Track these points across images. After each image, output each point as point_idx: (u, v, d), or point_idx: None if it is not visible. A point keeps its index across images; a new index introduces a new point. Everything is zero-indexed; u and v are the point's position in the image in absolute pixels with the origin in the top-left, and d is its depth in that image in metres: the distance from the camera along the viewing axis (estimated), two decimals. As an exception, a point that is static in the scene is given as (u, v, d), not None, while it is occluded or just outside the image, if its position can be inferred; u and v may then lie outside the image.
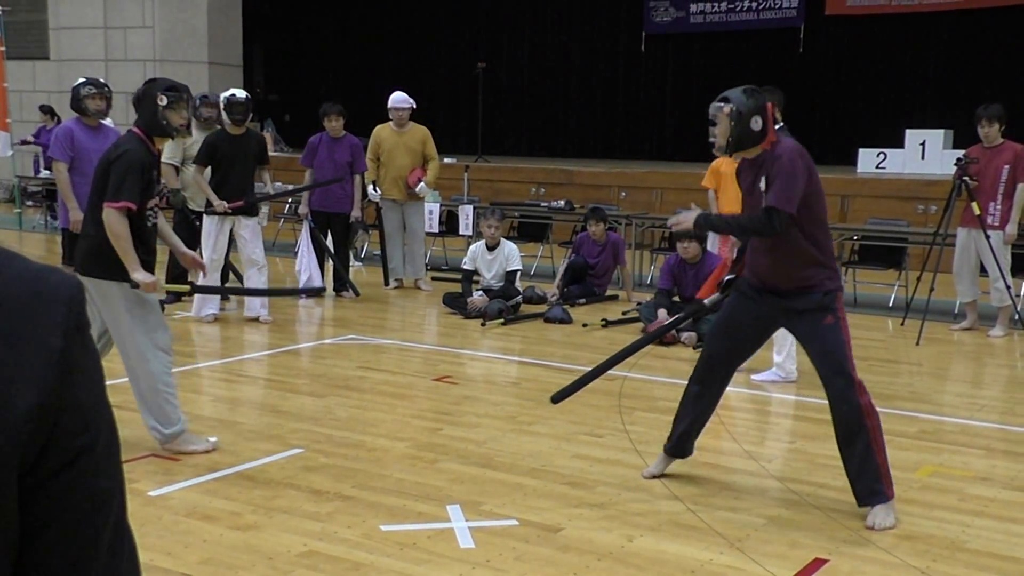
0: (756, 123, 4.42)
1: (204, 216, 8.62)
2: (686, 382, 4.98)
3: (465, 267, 9.65)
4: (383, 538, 4.14)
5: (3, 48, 13.77)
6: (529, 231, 12.52)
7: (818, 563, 3.99)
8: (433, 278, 10.94)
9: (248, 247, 8.58)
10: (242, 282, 9.03)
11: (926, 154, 14.63)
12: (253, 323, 8.63)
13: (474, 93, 18.21)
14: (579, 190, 14.64)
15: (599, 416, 6.01)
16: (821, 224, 4.52)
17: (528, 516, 4.41)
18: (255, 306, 8.67)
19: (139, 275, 4.94)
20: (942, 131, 14.79)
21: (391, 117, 10.43)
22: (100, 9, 18.69)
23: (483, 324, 8.80)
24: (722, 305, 4.92)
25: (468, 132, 19.97)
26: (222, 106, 8.72)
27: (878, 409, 4.50)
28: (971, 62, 16.69)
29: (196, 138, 8.81)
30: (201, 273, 6.09)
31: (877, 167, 14.88)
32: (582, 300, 9.80)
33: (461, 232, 11.83)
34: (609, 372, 5.27)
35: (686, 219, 4.67)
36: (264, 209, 9.04)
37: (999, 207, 8.53)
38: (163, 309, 5.84)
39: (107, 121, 8.43)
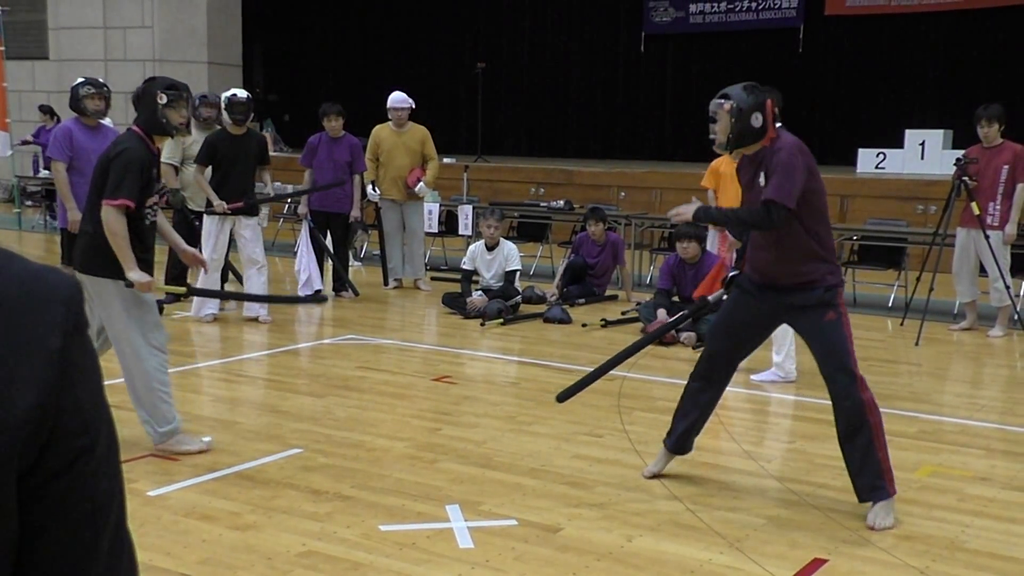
0: (756, 120, 4.42)
1: (204, 216, 8.62)
2: (685, 382, 4.98)
3: (464, 267, 9.65)
4: (382, 538, 4.14)
5: (2, 48, 13.77)
6: (528, 231, 12.52)
7: (817, 563, 3.99)
8: (432, 278, 10.94)
9: (248, 247, 8.58)
10: (242, 282, 9.03)
11: (926, 154, 14.63)
12: (252, 323, 8.63)
13: (474, 93, 18.20)
14: (578, 190, 14.64)
15: (598, 416, 6.01)
16: (822, 219, 4.53)
17: (527, 516, 4.41)
18: (254, 306, 8.67)
19: (134, 274, 4.93)
20: (941, 131, 14.79)
21: (390, 117, 10.43)
22: (99, 9, 18.68)
23: (482, 324, 8.80)
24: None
25: (468, 132, 19.97)
26: (223, 106, 8.72)
27: (877, 409, 4.51)
28: (970, 62, 16.69)
29: (195, 138, 8.81)
30: (203, 270, 6.09)
31: (877, 167, 14.88)
32: (581, 300, 9.80)
33: (460, 232, 11.83)
34: (608, 372, 5.27)
35: (685, 212, 4.68)
36: (264, 210, 9.04)
37: (998, 207, 8.53)
38: (162, 310, 5.85)
39: (106, 121, 8.43)
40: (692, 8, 19.04)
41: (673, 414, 4.96)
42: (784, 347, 6.89)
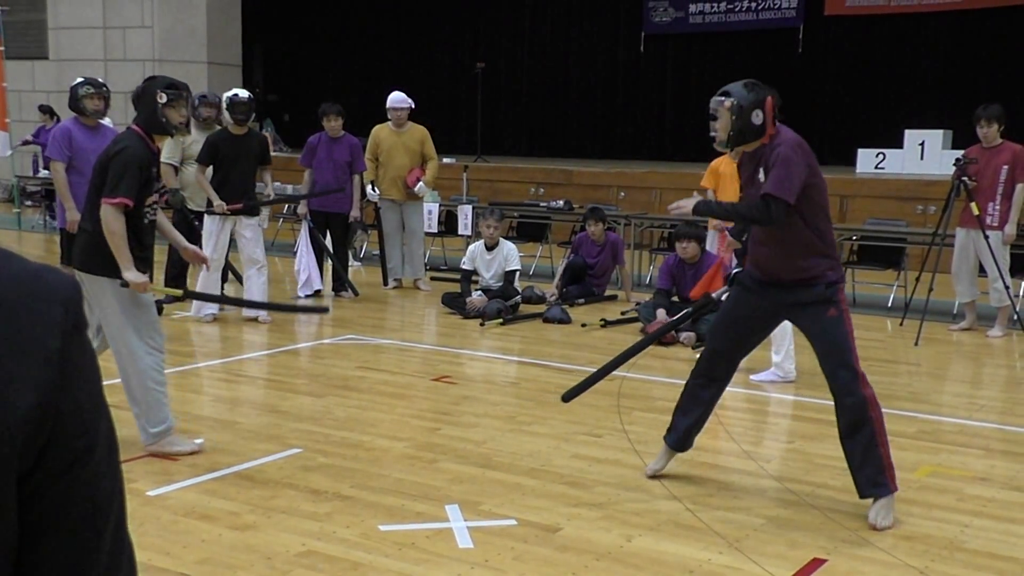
0: (757, 117, 4.43)
1: (205, 216, 8.62)
2: (683, 381, 4.98)
3: (464, 267, 9.65)
4: (382, 538, 4.14)
5: (2, 48, 13.77)
6: (528, 231, 12.52)
7: (816, 563, 4.00)
8: (432, 278, 10.94)
9: (249, 247, 8.58)
10: (242, 282, 9.03)
11: (925, 154, 14.63)
12: (252, 323, 8.63)
13: (473, 93, 18.20)
14: (578, 190, 14.64)
15: (598, 416, 6.01)
16: (823, 214, 4.53)
17: (527, 516, 4.41)
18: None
19: (130, 274, 4.92)
20: (941, 131, 14.79)
21: (389, 117, 10.43)
22: (99, 9, 18.68)
23: (482, 324, 8.80)
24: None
25: (467, 132, 19.96)
26: (225, 106, 8.72)
27: (877, 409, 4.51)
28: (970, 62, 16.70)
29: (195, 138, 8.82)
30: (204, 268, 6.08)
31: (876, 167, 14.88)
32: (581, 300, 9.80)
33: (460, 232, 11.83)
34: (613, 371, 5.28)
35: (686, 205, 4.69)
36: (264, 211, 9.04)
37: (998, 207, 8.53)
38: (161, 310, 5.85)
39: (106, 121, 8.43)
40: (692, 8, 19.04)
41: (673, 411, 4.96)
42: (783, 347, 6.89)
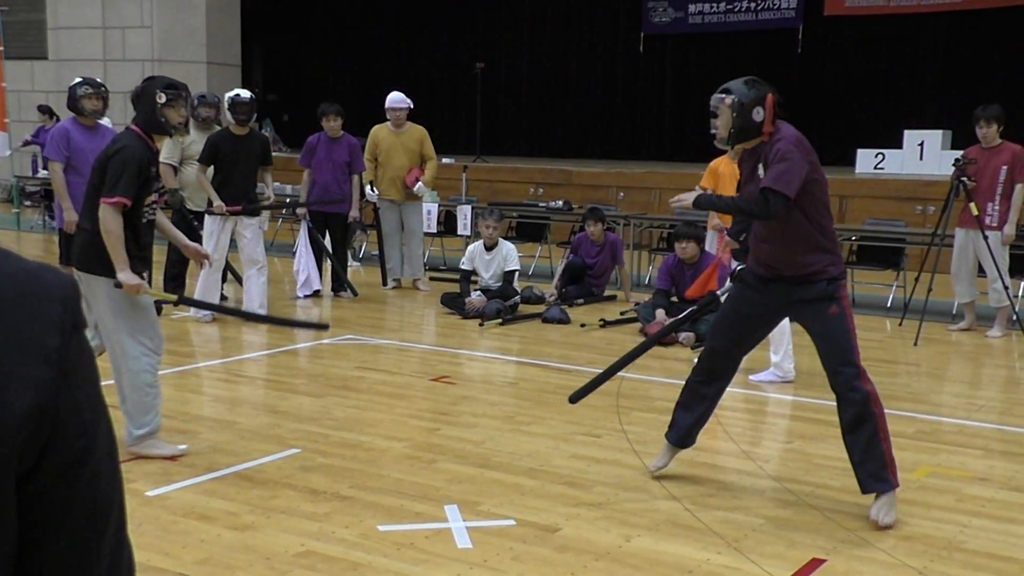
0: (758, 114, 4.43)
1: (206, 216, 8.61)
2: (683, 381, 4.98)
3: (463, 267, 9.65)
4: (381, 538, 4.14)
5: (2, 48, 13.77)
6: (527, 231, 12.52)
7: (816, 563, 4.00)
8: (431, 278, 10.94)
9: (249, 247, 8.59)
10: (241, 283, 9.03)
11: (924, 155, 14.64)
12: (251, 323, 8.62)
13: (473, 93, 18.21)
14: (577, 190, 14.64)
15: (597, 416, 6.00)
16: (825, 210, 4.54)
17: (526, 516, 4.41)
18: (253, 306, 8.66)
19: (124, 275, 4.91)
20: (940, 132, 14.80)
21: (388, 117, 10.43)
22: (99, 9, 18.68)
23: (481, 324, 8.80)
24: None
25: (467, 132, 19.97)
26: (226, 106, 8.71)
27: (876, 409, 4.51)
28: (969, 63, 16.70)
29: (194, 138, 8.81)
30: (205, 265, 6.07)
31: (875, 167, 14.89)
32: (580, 300, 9.80)
33: (459, 232, 11.83)
34: (619, 371, 5.28)
35: (687, 199, 4.69)
36: (265, 212, 9.03)
37: (997, 208, 8.53)
38: (160, 310, 5.83)
39: (105, 121, 8.42)
40: (691, 8, 19.05)
41: (674, 408, 4.96)
42: (782, 347, 6.89)
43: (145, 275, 5.20)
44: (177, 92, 5.16)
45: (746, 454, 5.41)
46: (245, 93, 8.79)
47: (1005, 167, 8.47)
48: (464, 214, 11.70)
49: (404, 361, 7.54)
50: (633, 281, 10.76)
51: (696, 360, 4.99)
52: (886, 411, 4.52)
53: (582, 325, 8.80)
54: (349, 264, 10.85)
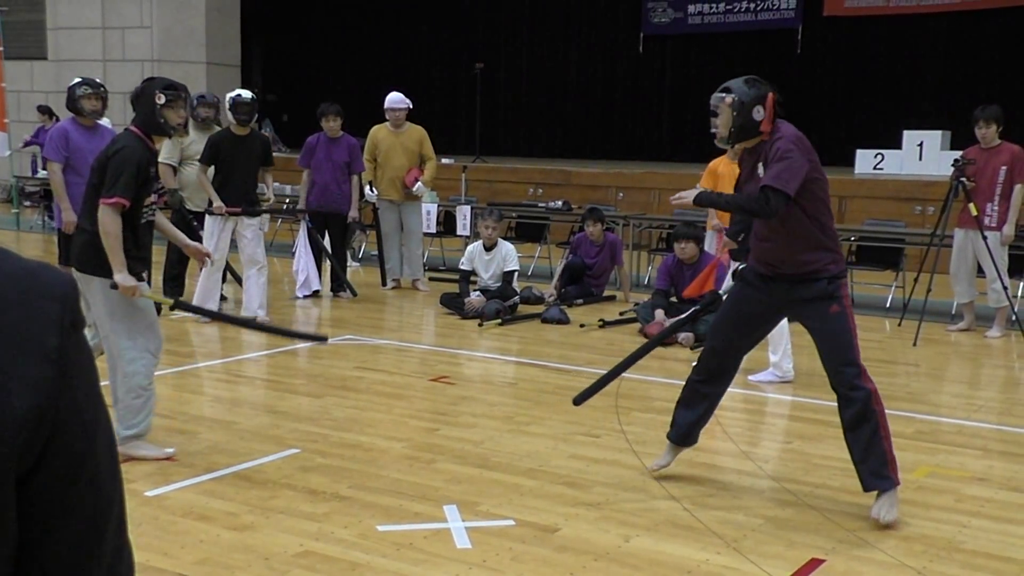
0: (758, 113, 4.44)
1: (206, 216, 8.61)
2: (682, 382, 4.98)
3: (462, 267, 9.65)
4: (380, 538, 4.14)
5: (1, 48, 13.77)
6: (527, 231, 12.52)
7: (815, 563, 4.00)
8: (430, 278, 10.94)
9: (249, 247, 8.59)
10: (241, 284, 9.03)
11: (924, 155, 14.64)
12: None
13: (472, 93, 18.20)
14: (577, 191, 14.65)
15: (596, 416, 6.00)
16: (825, 208, 4.55)
17: (525, 516, 4.41)
18: (252, 306, 8.65)
19: (120, 277, 4.89)
20: (940, 132, 14.80)
21: (387, 118, 10.43)
22: (98, 9, 18.67)
23: (480, 324, 8.80)
24: None
25: (466, 132, 19.97)
26: (227, 106, 8.71)
27: (876, 409, 4.51)
28: (969, 63, 16.71)
29: (193, 138, 8.80)
30: (208, 263, 6.06)
31: (875, 168, 14.89)
32: (579, 300, 9.80)
33: (459, 232, 11.83)
34: (605, 372, 5.28)
35: (687, 196, 4.69)
36: (265, 216, 9.02)
37: (996, 208, 8.54)
38: (159, 310, 5.82)
39: (104, 121, 8.42)
40: (691, 9, 19.05)
41: (675, 407, 4.96)
42: (780, 346, 6.90)
43: (145, 275, 5.20)
44: (176, 93, 5.16)
45: (745, 454, 5.41)
46: (246, 93, 8.79)
47: (1004, 167, 8.48)
48: (463, 214, 11.70)
49: (403, 361, 7.54)
50: (632, 281, 10.76)
51: (696, 360, 4.99)
52: (886, 411, 4.52)
53: (581, 325, 8.80)
54: (348, 264, 10.85)
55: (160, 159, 8.03)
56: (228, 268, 9.17)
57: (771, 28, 18.33)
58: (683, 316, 6.58)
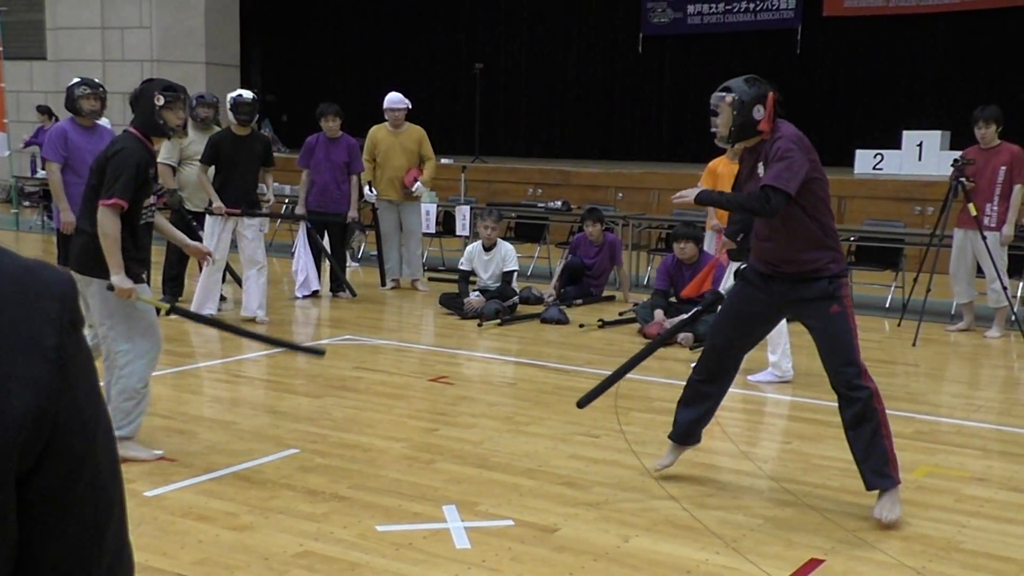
0: (758, 112, 4.44)
1: (207, 216, 8.60)
2: (681, 382, 4.98)
3: (462, 268, 9.65)
4: (379, 538, 4.14)
5: (1, 48, 13.77)
6: (526, 232, 12.52)
7: (814, 563, 4.00)
8: (430, 279, 10.94)
9: (250, 247, 8.59)
10: (240, 284, 9.03)
11: (923, 155, 14.64)
12: (250, 323, 8.61)
13: (471, 94, 18.20)
14: (576, 191, 14.65)
15: (595, 417, 6.00)
16: (825, 208, 4.55)
17: (524, 516, 4.41)
18: (252, 306, 8.66)
19: (117, 279, 4.89)
20: (939, 132, 14.80)
21: (387, 118, 10.42)
22: (97, 9, 18.67)
23: (480, 325, 8.80)
24: None
25: (465, 133, 19.96)
26: (228, 106, 8.70)
27: (876, 408, 4.51)
28: (968, 63, 16.71)
29: (192, 138, 8.80)
30: (209, 262, 6.05)
31: (874, 168, 14.89)
32: (579, 301, 9.80)
33: (458, 233, 11.82)
34: (606, 373, 5.28)
35: (688, 195, 4.69)
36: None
37: (996, 208, 8.54)
38: (159, 311, 5.79)
39: (103, 121, 8.42)
40: (690, 9, 19.04)
41: (676, 407, 4.96)
42: (779, 346, 6.90)
43: (145, 276, 5.19)
44: (175, 94, 5.16)
45: (744, 454, 5.41)
46: (247, 94, 8.78)
47: (1004, 168, 8.48)
48: (463, 214, 11.70)
49: (402, 361, 7.54)
50: (632, 281, 10.76)
51: (697, 359, 4.99)
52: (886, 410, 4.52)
53: (580, 326, 8.80)
54: (348, 264, 10.84)
55: (159, 159, 8.02)
56: (228, 268, 9.16)
57: (771, 28, 18.32)
58: (686, 317, 6.58)
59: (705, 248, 8.79)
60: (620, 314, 9.21)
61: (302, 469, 4.99)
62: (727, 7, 18.64)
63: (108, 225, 4.88)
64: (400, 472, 4.97)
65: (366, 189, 10.37)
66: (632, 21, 19.82)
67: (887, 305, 9.88)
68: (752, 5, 18.39)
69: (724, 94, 4.50)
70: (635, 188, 14.78)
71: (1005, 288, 8.49)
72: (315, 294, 9.96)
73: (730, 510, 4.56)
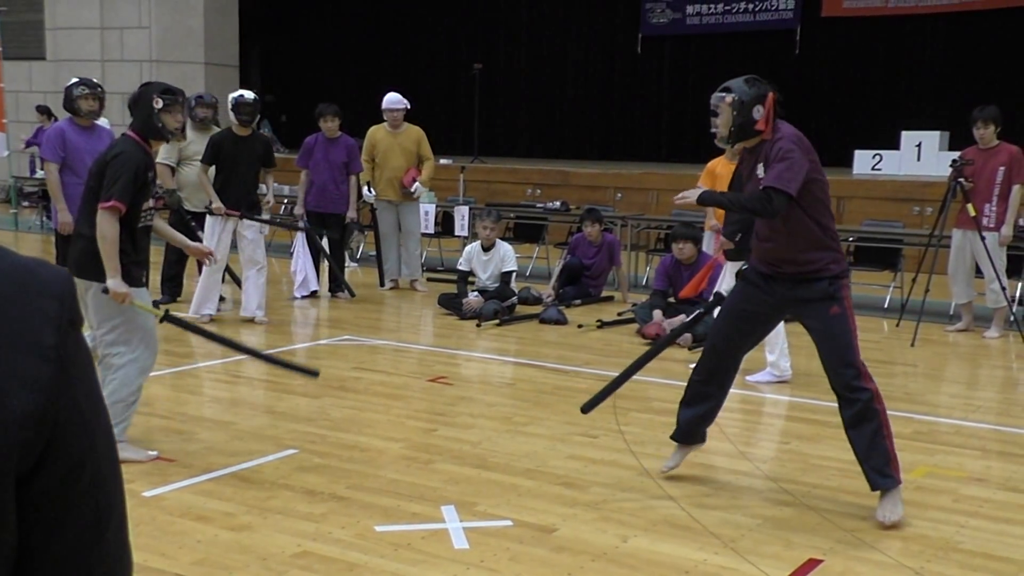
0: (758, 112, 4.45)
1: (207, 216, 8.59)
2: (679, 382, 4.99)
3: (461, 268, 9.65)
4: (377, 539, 4.14)
5: (0, 48, 13.76)
6: (525, 232, 12.52)
7: (812, 563, 4.00)
8: (429, 279, 10.94)
9: (249, 248, 8.59)
10: (239, 285, 9.02)
11: (922, 155, 14.65)
12: (249, 324, 8.62)
13: (471, 94, 18.20)
14: (575, 191, 14.64)
15: (594, 417, 5.98)
16: (825, 209, 4.56)
17: (522, 516, 4.41)
18: (251, 306, 8.66)
19: (112, 282, 4.88)
20: (938, 133, 14.80)
21: (385, 118, 10.42)
22: (96, 10, 18.66)
23: (478, 325, 8.80)
24: None
25: (464, 133, 19.97)
26: (230, 106, 8.70)
27: (875, 409, 4.51)
28: (967, 64, 16.71)
29: (192, 138, 8.80)
30: (212, 259, 6.03)
31: (873, 168, 14.90)
32: (577, 301, 9.80)
33: (457, 233, 11.82)
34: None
35: (690, 196, 4.70)
36: (265, 216, 9.01)
37: (994, 209, 8.54)
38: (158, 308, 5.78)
39: (102, 121, 8.42)
40: (689, 9, 19.04)
41: (678, 408, 4.96)
42: (777, 345, 6.90)
43: (145, 278, 5.18)
44: (173, 97, 5.17)
45: (743, 454, 5.41)
46: (249, 94, 8.78)
47: (1002, 168, 8.48)
48: (461, 215, 11.70)
49: (401, 362, 7.54)
50: (630, 282, 10.76)
51: (697, 360, 4.99)
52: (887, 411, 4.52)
53: (579, 326, 8.80)
54: (346, 265, 10.84)
55: (158, 159, 8.04)
56: (227, 269, 9.16)
57: (769, 29, 18.33)
58: (689, 319, 6.58)
59: (704, 248, 8.79)
60: (619, 314, 9.21)
61: (300, 469, 4.99)
62: (726, 8, 18.64)
63: (107, 228, 4.87)
64: (399, 472, 4.97)
65: (365, 189, 10.37)
66: (631, 21, 19.83)
67: (886, 305, 9.88)
68: (751, 6, 18.39)
69: (724, 94, 4.51)
70: (634, 188, 14.78)
71: (1004, 288, 8.50)
72: (314, 294, 9.96)
73: (729, 510, 4.56)
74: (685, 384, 5.01)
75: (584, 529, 4.29)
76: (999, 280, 8.44)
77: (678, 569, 3.91)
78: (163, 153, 8.60)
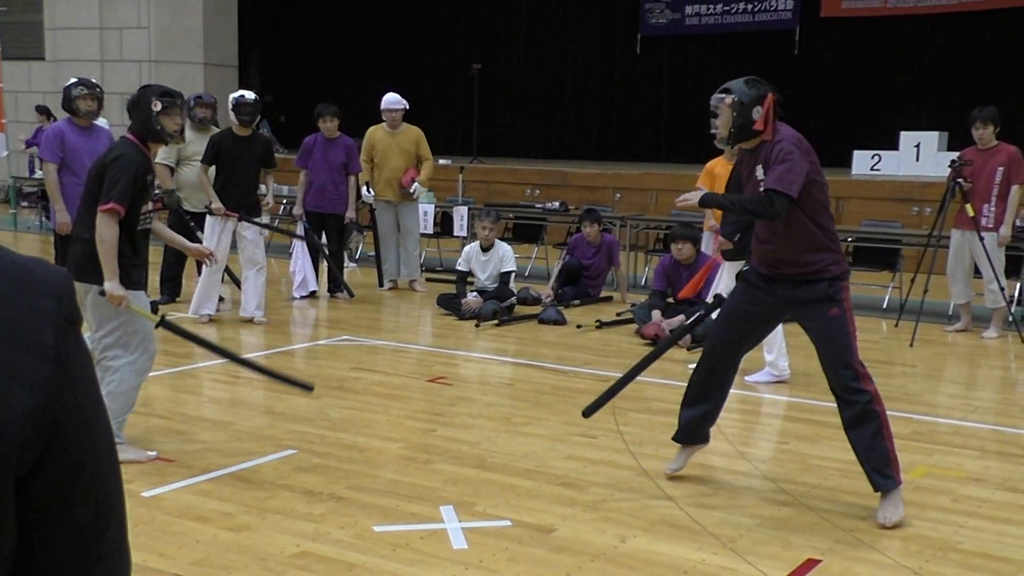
0: (757, 114, 4.45)
1: (207, 216, 8.59)
2: (678, 383, 4.99)
3: (460, 268, 9.65)
4: (376, 539, 4.14)
5: (-1, 48, 13.77)
6: (524, 232, 12.51)
7: (811, 563, 4.00)
8: (428, 279, 10.94)
9: (249, 248, 8.59)
10: (239, 286, 9.02)
11: (920, 156, 14.65)
12: (248, 324, 8.62)
13: (470, 94, 18.20)
14: (574, 191, 14.64)
15: (593, 417, 5.97)
16: (825, 210, 4.57)
17: (521, 517, 4.41)
18: (250, 307, 8.66)
19: (110, 285, 4.88)
20: (937, 133, 14.81)
21: (384, 118, 10.42)
22: (96, 10, 18.66)
23: (477, 325, 8.80)
24: None
25: (463, 133, 19.96)
26: (230, 107, 8.70)
27: (875, 409, 4.51)
28: (966, 64, 16.72)
29: (191, 138, 8.80)
30: (213, 259, 6.02)
31: (872, 169, 14.90)
32: (576, 301, 9.80)
33: (456, 233, 11.82)
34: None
35: (692, 197, 4.70)
36: (264, 218, 9.01)
37: (993, 209, 8.54)
38: (156, 310, 5.80)
39: (101, 121, 8.41)
40: (688, 10, 19.04)
41: (679, 409, 4.97)
42: (775, 345, 6.90)
43: (144, 281, 5.18)
44: (172, 100, 5.17)
45: (742, 455, 5.42)
46: (249, 94, 8.78)
47: (1001, 168, 8.48)
48: (460, 215, 11.70)
49: (400, 362, 7.54)
50: (629, 282, 10.77)
51: (697, 360, 4.99)
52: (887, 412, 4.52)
53: (578, 326, 8.80)
54: (345, 265, 10.84)
55: (157, 160, 8.03)
56: (226, 269, 9.16)
57: (768, 29, 18.33)
58: (689, 321, 6.59)
59: (703, 249, 8.79)
60: (618, 315, 9.21)
61: (299, 469, 4.99)
62: (725, 8, 18.64)
63: (106, 231, 4.87)
64: (397, 472, 4.97)
65: (364, 190, 10.37)
66: (630, 22, 19.82)
67: (884, 306, 9.88)
68: (750, 6, 18.39)
69: (724, 95, 4.51)
70: (633, 189, 14.78)
71: (1002, 289, 8.50)
72: (313, 295, 9.96)
73: (727, 510, 4.56)
74: (684, 385, 5.01)
75: (583, 529, 4.29)
76: (998, 280, 8.45)
77: (677, 569, 3.92)
78: (162, 153, 8.59)
